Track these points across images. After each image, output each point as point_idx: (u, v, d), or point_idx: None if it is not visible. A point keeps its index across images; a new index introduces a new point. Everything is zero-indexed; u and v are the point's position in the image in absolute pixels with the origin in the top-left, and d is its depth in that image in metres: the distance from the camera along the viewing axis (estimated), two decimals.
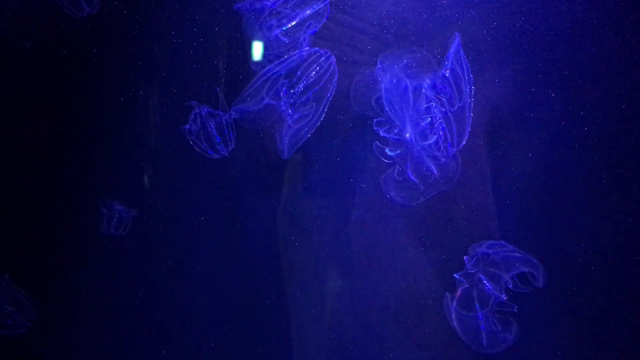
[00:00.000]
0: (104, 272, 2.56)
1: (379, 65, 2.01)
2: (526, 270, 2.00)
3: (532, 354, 2.11)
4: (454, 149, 1.99)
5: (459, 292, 2.04)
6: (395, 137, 2.03)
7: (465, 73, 1.94)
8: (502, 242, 2.05)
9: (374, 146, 2.07)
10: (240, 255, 2.48)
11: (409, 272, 2.25)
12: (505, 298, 1.99)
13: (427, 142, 2.01)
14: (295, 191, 2.36)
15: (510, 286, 1.99)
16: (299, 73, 2.10)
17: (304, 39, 2.01)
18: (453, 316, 2.06)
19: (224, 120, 2.25)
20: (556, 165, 2.09)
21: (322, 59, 2.10)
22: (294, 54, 2.10)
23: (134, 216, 2.51)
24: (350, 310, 2.34)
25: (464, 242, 2.15)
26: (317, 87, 2.12)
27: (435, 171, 2.06)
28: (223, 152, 2.29)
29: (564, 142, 2.07)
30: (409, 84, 1.97)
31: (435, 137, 2.00)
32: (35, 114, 2.60)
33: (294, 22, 1.99)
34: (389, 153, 2.05)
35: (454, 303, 2.06)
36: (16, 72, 2.55)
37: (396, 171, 2.08)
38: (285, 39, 2.02)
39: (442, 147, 1.98)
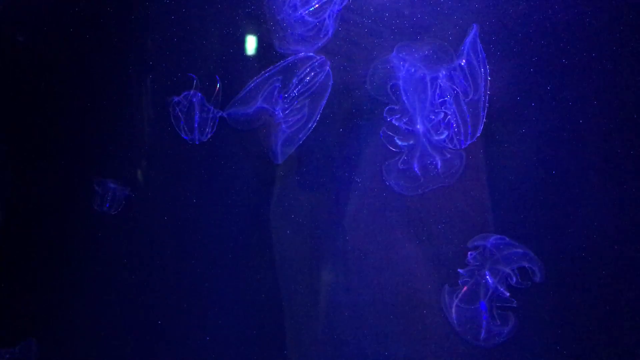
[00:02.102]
0: (98, 249, 2.51)
1: (395, 54, 2.03)
2: (526, 265, 2.03)
3: (526, 347, 2.12)
4: (467, 142, 2.01)
5: (464, 288, 2.05)
6: (405, 127, 2.05)
7: (482, 65, 1.98)
8: (503, 237, 2.08)
9: (381, 133, 2.08)
10: (235, 249, 2.44)
11: (404, 266, 2.25)
12: (508, 294, 2.01)
13: (438, 135, 2.04)
14: (290, 185, 2.35)
15: (513, 281, 2.01)
16: (293, 78, 2.11)
17: (329, 17, 2.02)
18: (453, 308, 2.07)
19: (210, 114, 2.25)
20: (551, 159, 2.10)
21: (317, 64, 2.11)
22: (289, 59, 2.11)
23: (127, 194, 2.47)
24: (345, 305, 2.32)
25: (459, 236, 2.16)
26: (311, 92, 2.13)
27: (439, 166, 2.08)
28: (195, 140, 2.28)
29: (559, 136, 2.09)
30: (425, 74, 2.01)
31: (446, 131, 2.03)
32: (30, 93, 2.56)
33: (320, 3, 2.00)
34: (398, 142, 2.07)
35: (456, 295, 2.07)
36: (11, 55, 2.52)
37: (401, 160, 2.09)
38: (311, 19, 2.02)
39: (454, 139, 2.01)
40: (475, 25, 1.98)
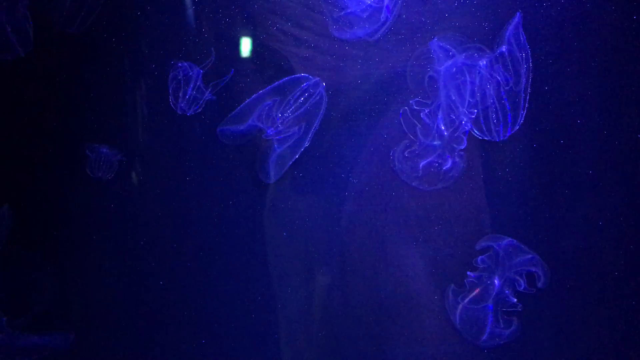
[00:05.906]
0: (92, 216, 2.46)
1: (436, 42, 2.00)
2: (533, 270, 2.05)
3: (525, 349, 2.14)
4: (507, 133, 1.99)
5: (476, 290, 2.04)
6: (429, 122, 2.03)
7: (524, 54, 1.95)
8: (512, 240, 2.08)
9: (401, 112, 2.04)
10: (230, 251, 2.39)
11: (402, 268, 2.24)
12: (515, 300, 2.02)
13: (458, 143, 2.02)
14: (286, 187, 2.31)
15: (521, 287, 2.02)
16: (288, 98, 2.11)
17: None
18: (457, 308, 2.07)
19: (204, 95, 2.23)
20: (548, 160, 2.12)
21: (311, 85, 2.12)
22: (284, 79, 2.12)
23: (120, 159, 2.40)
24: (343, 307, 2.29)
25: (456, 238, 2.18)
26: (305, 113, 2.13)
27: (445, 167, 2.07)
28: (178, 110, 2.27)
29: (556, 137, 2.10)
30: (465, 69, 1.98)
31: (465, 134, 2.01)
32: (24, 60, 2.42)
33: None
34: (419, 135, 2.05)
35: (462, 296, 2.07)
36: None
37: (410, 150, 2.07)
38: (370, 2, 1.98)
39: (493, 130, 1.98)
40: (518, 13, 1.94)
